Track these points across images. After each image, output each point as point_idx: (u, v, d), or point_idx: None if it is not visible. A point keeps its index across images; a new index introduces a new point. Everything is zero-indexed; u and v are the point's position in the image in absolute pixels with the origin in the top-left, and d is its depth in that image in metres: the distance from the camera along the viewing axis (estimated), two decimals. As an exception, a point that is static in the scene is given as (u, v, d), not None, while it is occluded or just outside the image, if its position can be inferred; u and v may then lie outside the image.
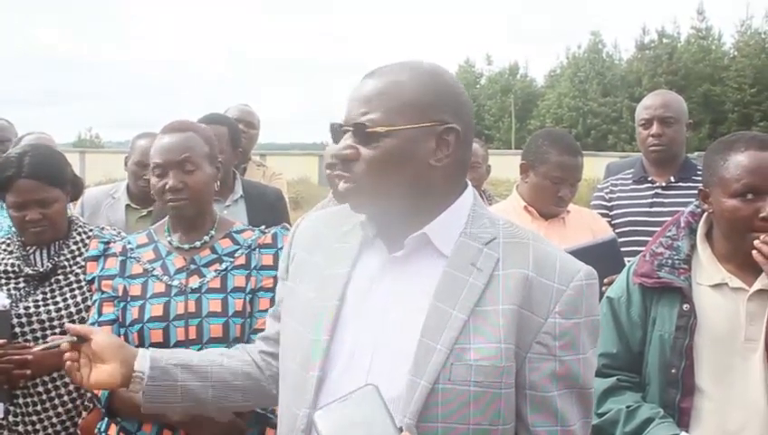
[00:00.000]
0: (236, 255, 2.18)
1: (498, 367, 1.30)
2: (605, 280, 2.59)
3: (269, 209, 3.31)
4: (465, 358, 1.29)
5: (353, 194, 1.39)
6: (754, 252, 1.86)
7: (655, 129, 3.28)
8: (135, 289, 2.15)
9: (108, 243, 2.22)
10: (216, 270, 2.16)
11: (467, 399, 1.29)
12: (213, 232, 2.22)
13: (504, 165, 12.28)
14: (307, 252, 1.52)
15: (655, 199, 3.26)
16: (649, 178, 3.33)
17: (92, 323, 2.17)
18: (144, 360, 1.60)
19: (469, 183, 1.46)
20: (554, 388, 1.33)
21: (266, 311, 1.86)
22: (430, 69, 1.40)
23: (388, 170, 1.35)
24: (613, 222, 3.28)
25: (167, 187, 2.13)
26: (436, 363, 1.29)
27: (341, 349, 1.38)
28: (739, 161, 1.90)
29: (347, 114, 1.39)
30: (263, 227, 2.30)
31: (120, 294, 2.16)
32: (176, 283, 2.14)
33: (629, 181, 3.38)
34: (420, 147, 1.35)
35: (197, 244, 2.20)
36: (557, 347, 1.33)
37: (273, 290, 1.93)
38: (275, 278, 1.88)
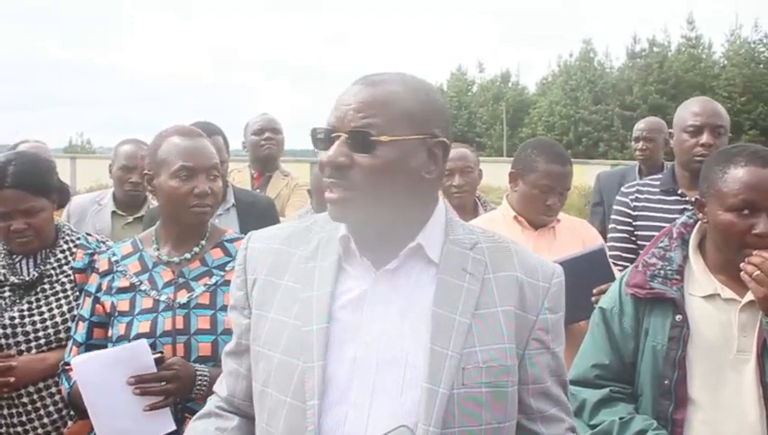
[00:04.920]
0: (227, 268, 2.12)
1: (506, 366, 1.35)
2: (594, 290, 2.58)
3: (261, 217, 3.30)
4: (475, 361, 1.33)
5: (348, 204, 1.33)
6: (741, 273, 1.86)
7: (705, 138, 2.94)
8: (123, 304, 2.10)
9: (93, 254, 2.17)
10: (205, 284, 2.11)
11: (480, 400, 1.32)
12: (203, 242, 2.17)
13: (496, 173, 12.29)
14: (272, 275, 1.44)
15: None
16: (679, 191, 3.04)
17: (81, 344, 2.13)
18: None
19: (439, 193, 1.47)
20: (548, 378, 1.43)
21: None
22: (423, 83, 1.41)
23: (386, 180, 1.33)
24: (636, 232, 3.09)
25: (195, 191, 2.07)
26: (451, 369, 1.31)
27: (338, 371, 1.33)
28: (739, 176, 1.88)
29: (338, 120, 1.33)
30: None
31: (108, 310, 2.11)
32: (163, 298, 2.08)
33: (657, 190, 3.13)
34: (415, 159, 1.35)
35: (187, 256, 2.14)
36: (550, 340, 1.42)
37: None
38: None
